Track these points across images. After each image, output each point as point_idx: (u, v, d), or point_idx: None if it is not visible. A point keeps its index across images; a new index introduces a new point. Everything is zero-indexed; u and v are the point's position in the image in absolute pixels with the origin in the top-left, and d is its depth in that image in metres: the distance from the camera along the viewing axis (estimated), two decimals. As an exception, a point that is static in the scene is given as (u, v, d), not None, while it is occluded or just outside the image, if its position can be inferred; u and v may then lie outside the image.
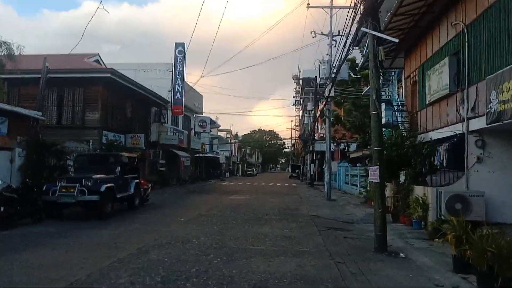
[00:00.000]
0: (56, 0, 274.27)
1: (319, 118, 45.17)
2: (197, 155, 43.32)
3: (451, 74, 11.44)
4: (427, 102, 13.46)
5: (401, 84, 25.55)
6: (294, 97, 71.42)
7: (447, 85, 11.58)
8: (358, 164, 22.79)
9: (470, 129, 10.36)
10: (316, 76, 38.13)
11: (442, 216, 10.01)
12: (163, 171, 30.95)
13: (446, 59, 11.64)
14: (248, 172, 78.12)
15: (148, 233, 9.88)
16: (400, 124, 15.93)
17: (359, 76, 35.15)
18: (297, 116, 74.29)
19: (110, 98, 23.03)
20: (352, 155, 20.35)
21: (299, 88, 66.04)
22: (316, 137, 42.86)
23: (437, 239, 7.49)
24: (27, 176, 14.05)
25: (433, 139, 12.01)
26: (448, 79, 11.46)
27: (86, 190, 11.90)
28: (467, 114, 10.47)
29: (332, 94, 21.23)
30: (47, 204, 12.05)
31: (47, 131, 21.22)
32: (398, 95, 24.98)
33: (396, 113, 17.51)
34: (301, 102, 67.70)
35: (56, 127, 21.67)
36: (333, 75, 19.49)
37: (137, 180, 15.14)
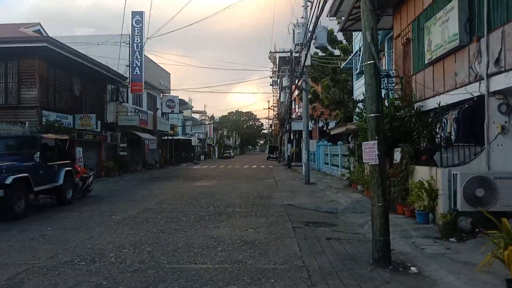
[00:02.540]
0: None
1: (296, 97, 42.73)
2: (166, 137, 40.10)
3: (462, 19, 8.74)
4: (426, 62, 10.79)
5: (384, 52, 23.14)
6: (271, 77, 68.68)
7: (455, 35, 8.89)
8: (339, 142, 20.22)
9: (492, 89, 7.74)
10: (290, 50, 35.50)
11: (457, 206, 7.47)
12: (124, 155, 27.80)
13: (455, 2, 8.92)
14: (225, 155, 75.23)
15: (52, 244, 6.98)
16: (390, 93, 13.27)
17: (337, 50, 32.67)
18: (274, 96, 71.63)
19: (51, 73, 19.62)
20: (332, 132, 17.74)
21: (276, 68, 63.33)
22: (294, 116, 40.29)
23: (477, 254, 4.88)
24: None
25: (441, 104, 9.35)
26: (458, 27, 8.76)
27: (-16, 184, 8.90)
28: (487, 70, 7.84)
29: (309, 62, 18.39)
30: None
31: (-25, 113, 18.17)
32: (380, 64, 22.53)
33: (385, 80, 14.95)
34: (278, 82, 65.10)
35: (-14, 108, 18.35)
36: (310, 39, 16.61)
37: (68, 168, 12.10)
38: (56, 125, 18.16)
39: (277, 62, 59.95)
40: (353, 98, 21.96)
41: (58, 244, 6.95)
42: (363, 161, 6.28)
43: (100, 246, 6.77)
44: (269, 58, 64.38)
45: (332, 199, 12.80)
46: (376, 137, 5.86)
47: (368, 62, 6.04)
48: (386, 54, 22.83)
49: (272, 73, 68.00)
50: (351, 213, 10.59)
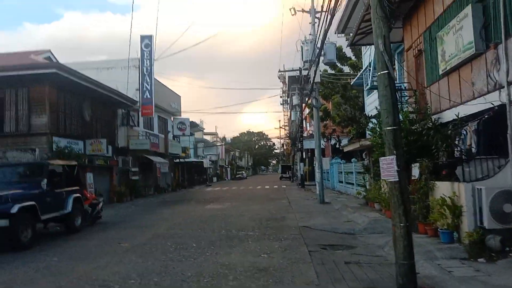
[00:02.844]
0: (37, 13, 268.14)
1: (307, 115, 42.39)
2: (178, 160, 39.97)
3: (477, 27, 8.38)
4: (440, 73, 10.41)
5: (394, 66, 22.76)
6: (281, 96, 68.77)
7: (471, 43, 8.52)
8: (353, 160, 19.71)
9: (514, 97, 7.31)
10: (300, 68, 35.42)
11: (484, 224, 6.97)
12: (136, 180, 27.59)
13: (468, 9, 8.59)
14: (237, 176, 74.79)
15: (56, 276, 6.64)
16: (404, 106, 12.85)
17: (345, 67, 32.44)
18: (285, 115, 71.54)
19: (61, 99, 19.66)
20: (346, 149, 17.29)
21: (286, 87, 63.38)
22: (305, 135, 39.93)
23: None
24: None
25: (459, 116, 8.89)
26: (473, 35, 8.40)
27: (-11, 214, 8.68)
28: (507, 77, 7.42)
29: (318, 79, 18.12)
30: None
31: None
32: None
33: (398, 93, 14.56)
34: (288, 101, 65.10)
35: (-1, 136, 18.40)
36: (319, 55, 16.38)
37: (76, 195, 11.86)
38: (66, 151, 18.07)
39: (287, 82, 60.08)
40: (365, 113, 21.52)
41: (62, 276, 6.61)
42: (382, 178, 5.89)
43: (105, 277, 6.41)
44: (279, 78, 64.63)
45: (349, 219, 12.28)
46: (395, 152, 5.46)
47: (382, 72, 5.69)
48: (396, 68, 22.53)
49: (282, 93, 68.05)
50: (370, 234, 10.09)
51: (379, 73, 5.78)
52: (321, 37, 14.46)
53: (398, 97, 13.22)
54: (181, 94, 40.39)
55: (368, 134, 11.31)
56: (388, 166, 5.50)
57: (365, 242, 9.12)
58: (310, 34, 18.80)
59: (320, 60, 17.96)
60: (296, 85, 45.92)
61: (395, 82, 16.01)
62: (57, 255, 8.46)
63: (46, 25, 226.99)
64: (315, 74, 17.06)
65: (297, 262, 7.01)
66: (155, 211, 17.35)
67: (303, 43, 18.08)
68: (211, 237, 9.82)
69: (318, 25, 19.54)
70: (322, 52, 17.15)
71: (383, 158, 5.65)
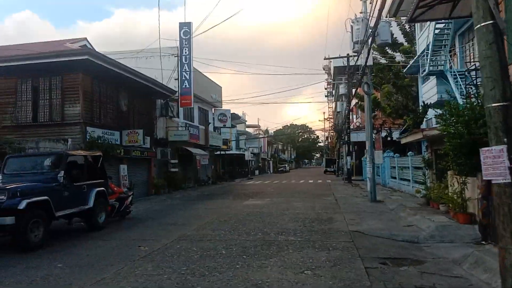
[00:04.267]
0: (89, 11, 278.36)
1: (354, 106, 39.97)
2: (219, 152, 38.96)
3: None
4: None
5: (455, 50, 20.21)
6: (325, 88, 66.40)
7: None
8: (409, 153, 17.54)
9: None
10: (347, 55, 33.16)
11: None
12: (175, 172, 26.72)
13: None
14: (280, 169, 73.20)
15: (49, 292, 5.39)
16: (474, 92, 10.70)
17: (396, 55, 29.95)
18: (330, 107, 69.12)
19: (96, 88, 18.86)
20: (404, 140, 15.21)
21: (331, 78, 60.95)
22: (351, 127, 37.63)
23: None
24: None
25: None
26: None
27: (-5, 210, 7.66)
28: None
29: (371, 62, 16.11)
30: None
31: (22, 131, 17.77)
32: (450, 66, 19.63)
33: (465, 78, 12.36)
34: (333, 93, 62.72)
35: (32, 125, 17.92)
36: (373, 35, 14.39)
37: (100, 188, 10.75)
38: (99, 141, 17.23)
39: (332, 73, 57.60)
40: (424, 101, 19.24)
41: (56, 291, 5.35)
42: (484, 177, 4.07)
43: (105, 296, 5.07)
44: (323, 69, 62.19)
45: (410, 223, 10.37)
46: (505, 140, 3.67)
47: (484, 24, 3.89)
48: (458, 52, 19.99)
49: (327, 84, 65.63)
50: (438, 243, 8.22)
51: (478, 26, 3.98)
52: (375, 14, 12.48)
53: (469, 81, 11.15)
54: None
55: (437, 122, 9.32)
56: (495, 161, 3.72)
57: (435, 254, 7.29)
58: (360, 12, 16.76)
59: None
60: (343, 76, 43.72)
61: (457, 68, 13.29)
62: (65, 259, 7.27)
63: (97, 23, 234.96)
64: (368, 55, 15.05)
65: (351, 285, 5.35)
66: (190, 206, 16.14)
67: (353, 22, 16.08)
68: (245, 242, 8.31)
69: (370, 2, 17.55)
70: (375, 32, 15.13)
71: (486, 149, 3.86)
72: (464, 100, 10.19)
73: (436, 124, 21.66)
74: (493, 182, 3.86)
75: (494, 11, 3.84)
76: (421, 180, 14.18)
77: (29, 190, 8.33)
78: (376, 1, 14.37)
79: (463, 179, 8.99)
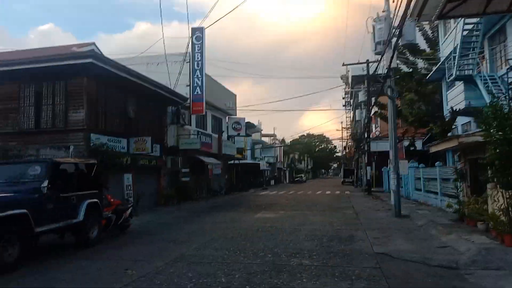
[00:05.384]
0: (110, 24, 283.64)
1: (373, 115, 38.40)
2: (232, 162, 37.81)
3: None
4: None
5: (484, 54, 18.69)
6: (343, 98, 65.00)
7: None
8: (437, 163, 16.02)
9: None
10: (367, 61, 31.78)
11: None
12: (186, 182, 25.61)
13: None
14: (296, 179, 71.63)
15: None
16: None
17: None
18: (348, 117, 67.65)
19: (101, 93, 17.93)
20: (434, 149, 13.74)
21: (349, 88, 59.62)
22: (371, 136, 36.08)
23: None
24: None
25: None
26: None
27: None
28: None
29: (395, 64, 14.77)
30: None
31: (24, 138, 16.96)
32: (480, 70, 18.10)
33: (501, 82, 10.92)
34: (351, 102, 61.36)
35: (35, 132, 17.07)
36: (399, 35, 13.10)
37: (93, 200, 9.65)
38: (103, 149, 16.24)
39: (350, 82, 56.22)
40: (452, 107, 17.73)
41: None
42: None
43: None
44: (341, 79, 60.80)
45: (444, 243, 8.92)
46: None
47: None
48: (487, 55, 18.48)
49: (345, 94, 64.22)
50: (482, 270, 6.82)
51: None
52: (398, 12, 11.23)
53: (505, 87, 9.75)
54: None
55: (480, 127, 7.90)
56: None
57: (480, 285, 5.93)
58: (383, 11, 15.47)
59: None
60: (361, 84, 42.26)
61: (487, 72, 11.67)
62: (35, 284, 6.14)
63: (118, 35, 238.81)
64: (392, 57, 13.71)
65: (384, 336, 4.04)
66: (197, 219, 14.94)
67: (375, 21, 14.79)
68: (251, 267, 7.04)
69: (393, 1, 16.24)
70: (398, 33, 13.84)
71: None
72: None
73: (463, 131, 20.19)
74: None
75: None
76: (452, 193, 12.69)
77: (4, 203, 7.24)
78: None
79: (510, 193, 7.57)
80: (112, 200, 11.38)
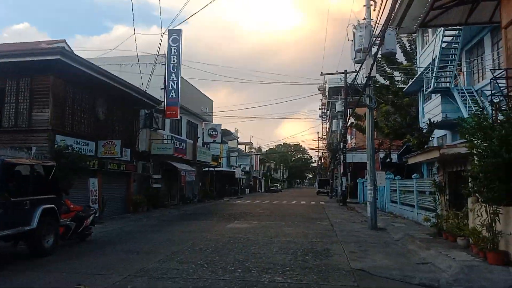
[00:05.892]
0: (88, 26, 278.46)
1: (349, 127, 38.42)
2: (207, 169, 37.02)
3: None
4: None
5: (461, 69, 18.74)
6: (320, 108, 65.38)
7: None
8: (414, 175, 15.79)
9: None
10: (345, 71, 31.72)
11: None
12: (158, 188, 24.73)
13: None
14: (271, 188, 71.15)
15: None
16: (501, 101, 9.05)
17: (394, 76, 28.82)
18: (324, 128, 68.04)
19: (69, 92, 17.02)
20: (412, 160, 13.45)
21: (326, 99, 59.96)
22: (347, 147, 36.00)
23: None
24: None
25: None
26: None
27: None
28: None
29: (374, 72, 14.52)
30: None
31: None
32: (457, 83, 18.14)
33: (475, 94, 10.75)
34: (328, 113, 61.82)
35: (-5, 131, 15.97)
36: (380, 43, 12.83)
37: (48, 206, 8.83)
38: (67, 151, 15.29)
39: (326, 94, 56.49)
40: (430, 119, 17.63)
41: None
42: None
43: None
44: (318, 89, 61.02)
45: (424, 260, 8.50)
46: None
47: None
48: (465, 69, 18.55)
49: (322, 105, 64.53)
50: (465, 289, 6.39)
51: None
52: (381, 20, 10.94)
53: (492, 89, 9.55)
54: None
55: (467, 137, 7.53)
56: None
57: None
58: (364, 19, 15.23)
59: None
60: (339, 95, 42.39)
61: (464, 85, 11.30)
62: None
63: (96, 37, 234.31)
64: (373, 64, 13.43)
65: None
66: (165, 228, 14.17)
67: (355, 28, 14.51)
68: (217, 283, 6.41)
69: (374, 9, 16.07)
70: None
71: None
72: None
73: (438, 144, 20.15)
74: None
75: None
76: (430, 207, 12.41)
77: None
78: (384, 6, 12.94)
79: (494, 208, 7.22)
80: (72, 206, 10.56)
